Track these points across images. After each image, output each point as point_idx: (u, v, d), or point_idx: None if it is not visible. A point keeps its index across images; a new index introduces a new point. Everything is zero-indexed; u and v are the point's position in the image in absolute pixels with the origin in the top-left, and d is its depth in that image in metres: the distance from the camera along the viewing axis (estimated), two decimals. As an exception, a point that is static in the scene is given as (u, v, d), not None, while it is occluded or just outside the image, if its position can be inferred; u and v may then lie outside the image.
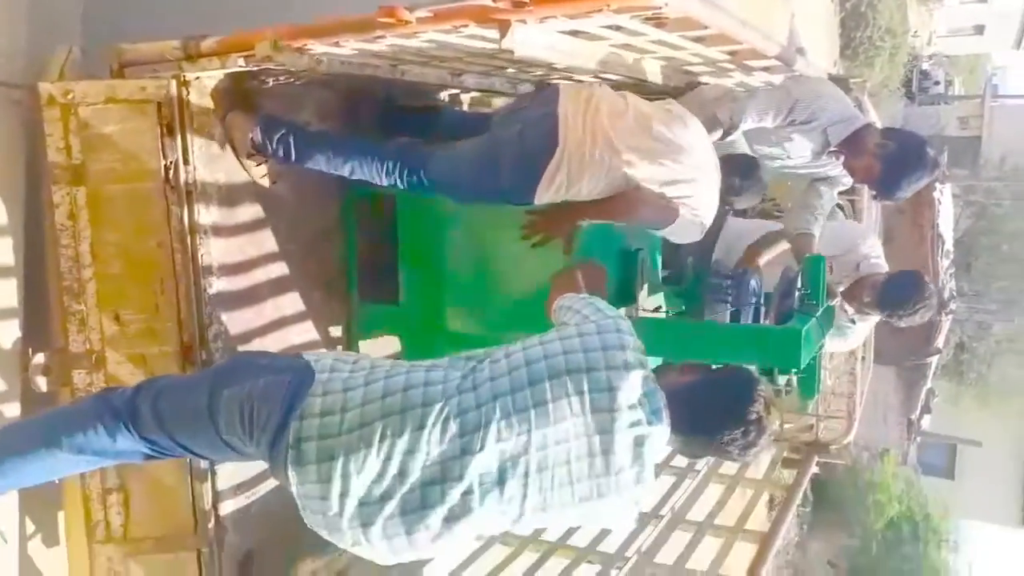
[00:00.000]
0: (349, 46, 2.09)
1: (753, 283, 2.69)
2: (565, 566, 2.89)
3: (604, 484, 1.65)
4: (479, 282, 2.71)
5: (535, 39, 1.98)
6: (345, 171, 2.44)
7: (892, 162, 2.83)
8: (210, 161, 2.33)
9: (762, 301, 2.67)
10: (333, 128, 2.75)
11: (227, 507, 2.42)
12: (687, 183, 2.41)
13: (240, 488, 2.47)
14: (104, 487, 2.29)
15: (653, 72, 2.70)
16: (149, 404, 1.85)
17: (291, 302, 2.65)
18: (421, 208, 2.75)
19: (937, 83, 22.48)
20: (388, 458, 1.62)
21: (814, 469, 3.86)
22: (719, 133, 2.95)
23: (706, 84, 2.94)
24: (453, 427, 1.62)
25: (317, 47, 2.11)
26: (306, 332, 2.72)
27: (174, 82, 2.20)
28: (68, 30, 2.32)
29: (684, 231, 2.50)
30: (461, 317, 2.75)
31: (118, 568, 2.33)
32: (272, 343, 2.58)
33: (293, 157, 2.43)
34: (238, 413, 1.74)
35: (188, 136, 2.25)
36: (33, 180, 2.22)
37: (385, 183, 2.43)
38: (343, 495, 1.64)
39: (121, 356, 2.27)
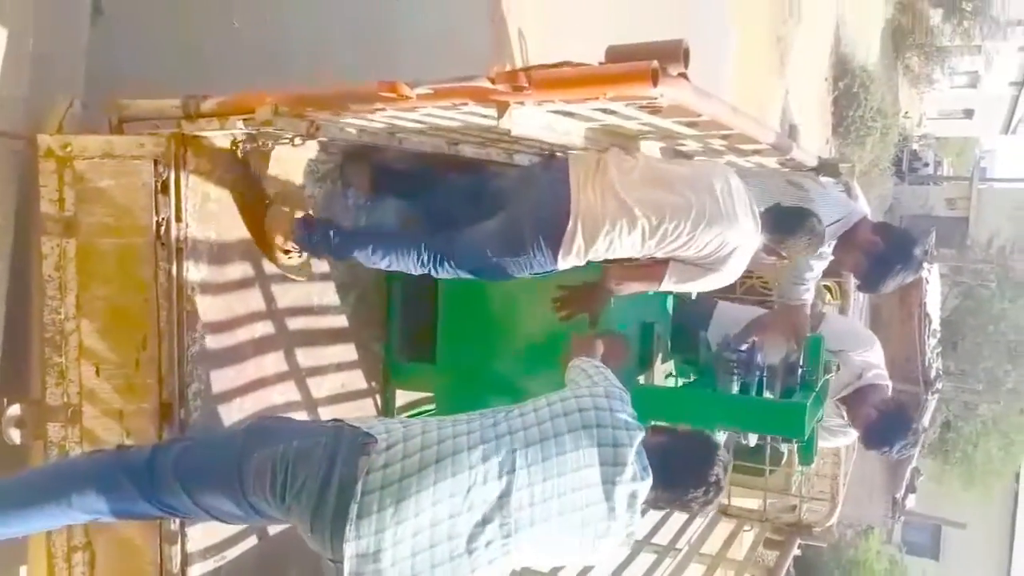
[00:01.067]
0: (349, 115, 2.12)
1: (759, 358, 2.82)
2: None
3: (605, 528, 1.86)
4: (511, 347, 2.99)
5: (532, 119, 2.01)
6: (383, 264, 2.58)
7: (880, 260, 2.99)
8: (203, 219, 2.33)
9: (765, 373, 2.82)
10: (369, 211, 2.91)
11: (196, 570, 2.36)
12: (702, 217, 2.44)
13: (210, 551, 2.41)
14: (70, 544, 2.23)
15: (650, 150, 2.74)
16: (171, 464, 1.89)
17: (273, 362, 2.63)
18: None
19: (927, 164, 22.90)
20: (437, 502, 1.74)
21: (796, 551, 3.81)
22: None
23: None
24: (493, 470, 1.78)
25: (316, 114, 2.14)
26: (287, 393, 2.69)
27: (172, 140, 2.21)
28: (70, 82, 2.33)
29: (714, 280, 2.57)
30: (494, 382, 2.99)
31: (79, 630, 2.26)
32: (252, 403, 2.55)
33: (332, 253, 2.60)
34: (269, 475, 1.80)
35: (183, 194, 2.26)
36: (22, 230, 2.22)
37: (419, 272, 2.56)
38: (397, 543, 1.71)
39: (98, 411, 2.23)
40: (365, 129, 2.45)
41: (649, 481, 1.89)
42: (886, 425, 3.11)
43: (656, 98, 1.81)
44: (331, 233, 2.55)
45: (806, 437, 2.77)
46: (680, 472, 1.96)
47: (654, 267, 2.59)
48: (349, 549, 1.70)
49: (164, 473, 1.87)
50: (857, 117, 15.62)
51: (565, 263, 2.44)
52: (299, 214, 2.56)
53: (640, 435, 1.91)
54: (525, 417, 1.90)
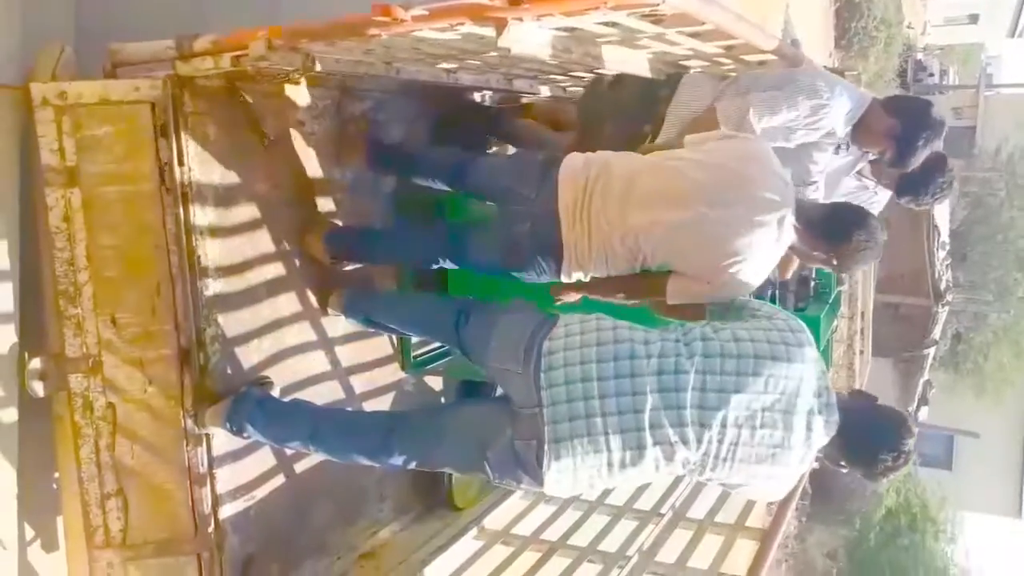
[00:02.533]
0: (344, 45, 2.07)
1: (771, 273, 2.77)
2: (566, 566, 2.87)
3: (780, 455, 1.98)
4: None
5: (531, 37, 1.96)
6: (403, 259, 2.89)
7: (904, 139, 2.73)
8: (205, 162, 2.31)
9: (777, 288, 2.85)
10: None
11: (227, 511, 2.41)
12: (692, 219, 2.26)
13: (239, 491, 2.46)
14: (103, 492, 2.27)
15: (643, 64, 2.69)
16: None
17: (288, 303, 2.63)
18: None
19: (932, 73, 22.44)
20: (619, 377, 2.00)
21: (814, 464, 3.84)
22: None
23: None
24: (672, 366, 1.98)
25: (311, 46, 2.09)
26: (303, 333, 2.70)
27: (168, 82, 2.18)
28: (61, 30, 2.29)
29: (725, 290, 2.30)
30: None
31: (118, 573, 2.31)
32: (269, 344, 2.56)
33: (361, 259, 2.79)
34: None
35: (183, 137, 2.23)
36: (28, 183, 2.20)
37: (436, 266, 2.66)
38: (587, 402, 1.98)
39: (118, 360, 2.25)
40: (361, 60, 2.40)
41: (833, 421, 1.99)
42: (920, 175, 2.92)
43: (658, 4, 1.77)
44: (353, 243, 2.75)
45: (821, 349, 2.67)
46: (878, 435, 2.03)
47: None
48: (546, 396, 1.99)
49: None
50: (860, 28, 15.26)
51: (571, 279, 2.44)
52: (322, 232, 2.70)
53: (819, 368, 2.03)
54: (710, 330, 2.06)
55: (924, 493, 18.66)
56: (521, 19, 1.86)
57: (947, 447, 21.88)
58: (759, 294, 2.72)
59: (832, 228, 2.30)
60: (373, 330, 2.80)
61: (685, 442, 1.97)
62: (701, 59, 2.72)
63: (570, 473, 2.00)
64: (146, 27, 2.34)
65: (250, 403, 2.34)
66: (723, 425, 1.96)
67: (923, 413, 15.07)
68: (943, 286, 10.77)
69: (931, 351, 12.93)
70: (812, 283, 2.89)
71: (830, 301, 2.88)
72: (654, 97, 2.80)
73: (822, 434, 2.00)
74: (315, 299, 2.74)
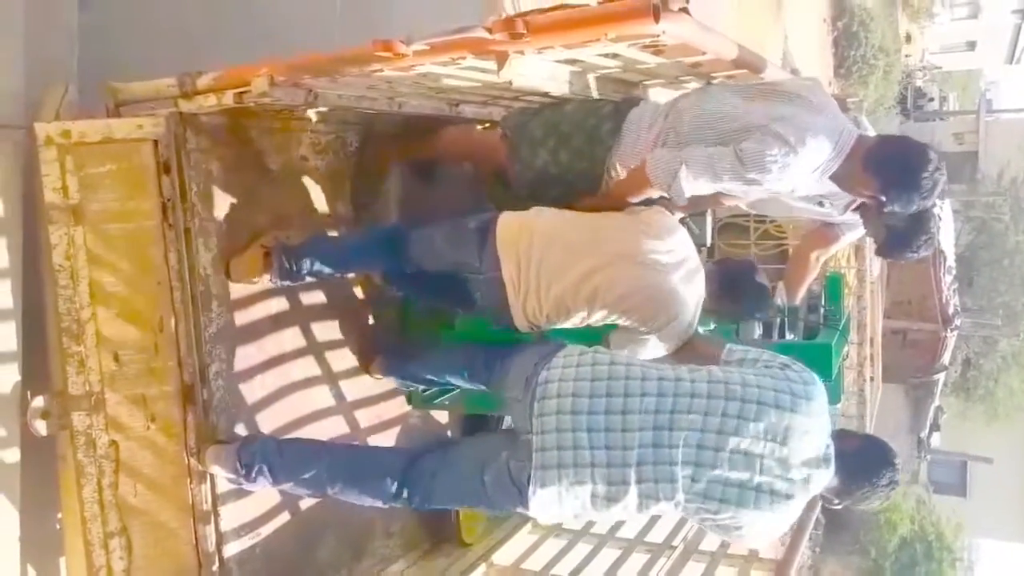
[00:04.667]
0: (346, 80, 2.08)
1: (779, 300, 2.79)
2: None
3: (774, 503, 1.97)
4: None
5: (533, 69, 1.97)
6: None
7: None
8: (208, 198, 2.31)
9: (785, 314, 2.83)
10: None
11: (231, 548, 2.38)
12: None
13: (244, 528, 2.43)
14: (106, 531, 2.25)
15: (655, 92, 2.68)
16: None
17: (291, 337, 2.62)
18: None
19: (931, 99, 22.57)
20: (610, 413, 2.02)
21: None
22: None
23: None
24: (668, 405, 1.99)
25: (313, 82, 2.10)
26: (307, 368, 2.69)
27: (171, 119, 2.19)
28: (63, 70, 2.30)
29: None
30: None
31: (121, 615, 2.28)
32: (274, 379, 2.54)
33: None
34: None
35: (186, 174, 2.24)
36: (31, 221, 2.20)
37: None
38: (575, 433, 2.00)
39: (121, 397, 2.23)
40: (364, 96, 2.41)
41: (828, 472, 2.02)
42: (901, 237, 2.66)
43: (658, 35, 1.77)
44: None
45: (833, 376, 2.72)
46: (871, 464, 2.10)
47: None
48: (536, 424, 2.03)
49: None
50: (859, 57, 15.37)
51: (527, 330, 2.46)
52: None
53: (828, 428, 2.06)
54: (719, 372, 2.07)
55: (939, 521, 18.40)
56: (522, 52, 1.87)
57: (960, 473, 21.66)
58: (769, 323, 2.70)
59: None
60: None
61: (672, 481, 1.96)
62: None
63: (555, 501, 2.03)
64: (148, 66, 2.35)
65: (258, 446, 2.32)
66: (712, 467, 1.95)
67: (935, 439, 14.97)
68: (951, 311, 10.72)
69: (941, 376, 12.85)
70: (822, 310, 2.87)
71: (840, 328, 2.85)
72: (597, 134, 2.49)
73: (820, 484, 2.03)
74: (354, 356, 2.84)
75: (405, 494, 2.26)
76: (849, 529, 16.31)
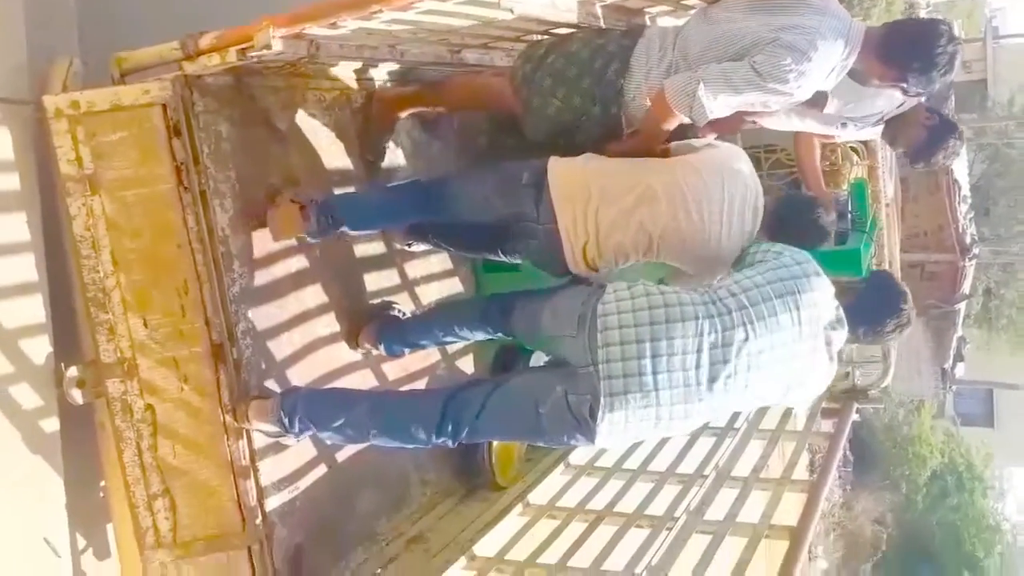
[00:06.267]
0: (346, 26, 2.08)
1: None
2: (614, 533, 2.86)
3: (809, 376, 2.28)
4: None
5: (532, -3, 1.96)
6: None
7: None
8: (220, 159, 2.33)
9: None
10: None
11: (272, 502, 2.43)
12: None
13: (283, 483, 2.48)
14: (149, 493, 2.30)
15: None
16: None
17: (313, 294, 2.65)
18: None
19: (937, 29, 22.15)
20: (671, 339, 2.14)
21: (855, 416, 3.81)
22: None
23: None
24: (718, 325, 2.15)
25: (314, 30, 2.10)
26: (331, 324, 2.72)
27: (177, 82, 2.20)
28: (66, 43, 2.32)
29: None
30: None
31: (171, 573, 2.34)
32: (299, 336, 2.58)
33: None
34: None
35: (196, 136, 2.25)
36: (48, 194, 2.23)
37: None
38: (640, 357, 2.13)
39: (152, 362, 2.27)
40: (365, 44, 2.41)
41: (844, 331, 2.27)
42: (936, 136, 2.84)
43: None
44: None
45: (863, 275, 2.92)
46: (880, 311, 2.34)
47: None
48: (602, 354, 2.13)
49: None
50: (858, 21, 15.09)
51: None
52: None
53: (832, 292, 2.26)
54: (735, 286, 2.23)
55: (968, 452, 18.42)
56: (520, -22, 1.86)
57: (987, 404, 21.61)
58: None
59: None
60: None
61: (727, 389, 2.17)
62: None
63: (621, 425, 2.17)
64: (149, 35, 2.36)
65: (298, 396, 2.39)
66: (761, 367, 2.18)
67: (959, 369, 14.89)
68: (968, 240, 10.63)
69: (962, 306, 12.77)
70: (849, 215, 3.06)
71: (866, 230, 2.94)
72: (605, 74, 2.47)
73: (840, 342, 2.28)
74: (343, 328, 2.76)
75: (449, 428, 2.31)
76: (878, 465, 16.37)
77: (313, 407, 2.36)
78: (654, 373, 2.13)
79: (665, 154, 2.50)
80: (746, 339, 2.16)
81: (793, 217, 2.53)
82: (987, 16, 24.87)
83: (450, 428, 2.31)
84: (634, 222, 2.42)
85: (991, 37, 21.35)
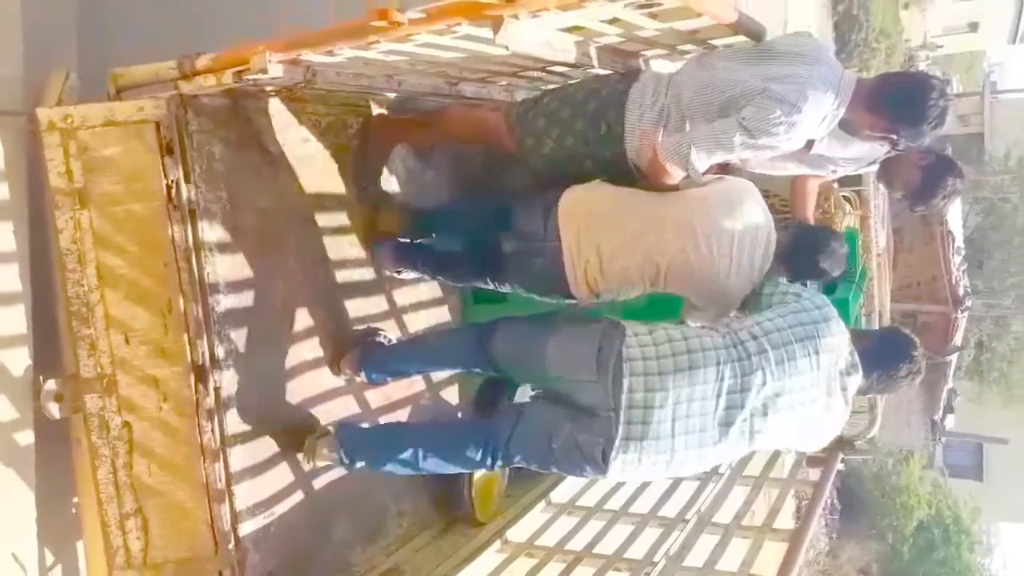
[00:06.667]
0: (343, 54, 2.10)
1: None
2: (592, 574, 2.83)
3: (824, 420, 2.31)
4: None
5: (529, 35, 1.98)
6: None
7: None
8: (211, 179, 2.33)
9: None
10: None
11: (246, 527, 2.39)
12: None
13: (258, 508, 2.44)
14: (122, 512, 2.27)
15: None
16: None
17: (301, 317, 2.63)
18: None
19: (936, 82, 22.40)
20: (692, 385, 2.17)
21: (840, 466, 3.78)
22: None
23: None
24: (737, 370, 2.18)
25: (311, 57, 2.12)
26: (315, 349, 2.70)
27: (172, 101, 2.20)
28: (63, 57, 2.33)
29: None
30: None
31: (139, 595, 2.30)
32: (283, 360, 2.56)
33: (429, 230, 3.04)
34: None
35: (188, 155, 2.25)
36: (37, 207, 2.22)
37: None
38: (662, 405, 2.16)
39: (132, 379, 2.25)
40: (362, 73, 2.42)
41: (859, 376, 2.29)
42: (933, 175, 2.77)
43: (653, -8, 1.78)
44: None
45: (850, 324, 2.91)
46: (892, 359, 2.36)
47: None
48: (626, 400, 2.15)
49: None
50: (860, 40, 15.34)
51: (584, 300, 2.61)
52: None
53: (847, 338, 2.30)
54: (757, 328, 2.25)
55: (956, 504, 18.32)
56: (516, 16, 1.88)
57: (976, 456, 21.54)
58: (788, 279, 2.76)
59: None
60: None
61: (742, 432, 2.22)
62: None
63: (633, 466, 2.21)
64: (146, 53, 2.37)
65: (347, 434, 2.54)
66: (778, 411, 2.22)
67: (949, 421, 14.85)
68: (961, 291, 10.65)
69: (953, 358, 12.77)
70: None
71: (855, 280, 2.93)
72: (600, 120, 2.50)
73: (855, 388, 2.31)
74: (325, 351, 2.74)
75: (489, 461, 2.43)
76: (866, 514, 16.26)
77: (368, 448, 2.52)
78: (673, 420, 2.16)
79: (674, 187, 2.52)
80: (764, 383, 2.18)
81: (808, 249, 2.55)
82: (985, 71, 25.21)
83: (489, 461, 2.44)
84: (639, 249, 2.47)
85: (989, 91, 21.62)
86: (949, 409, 14.62)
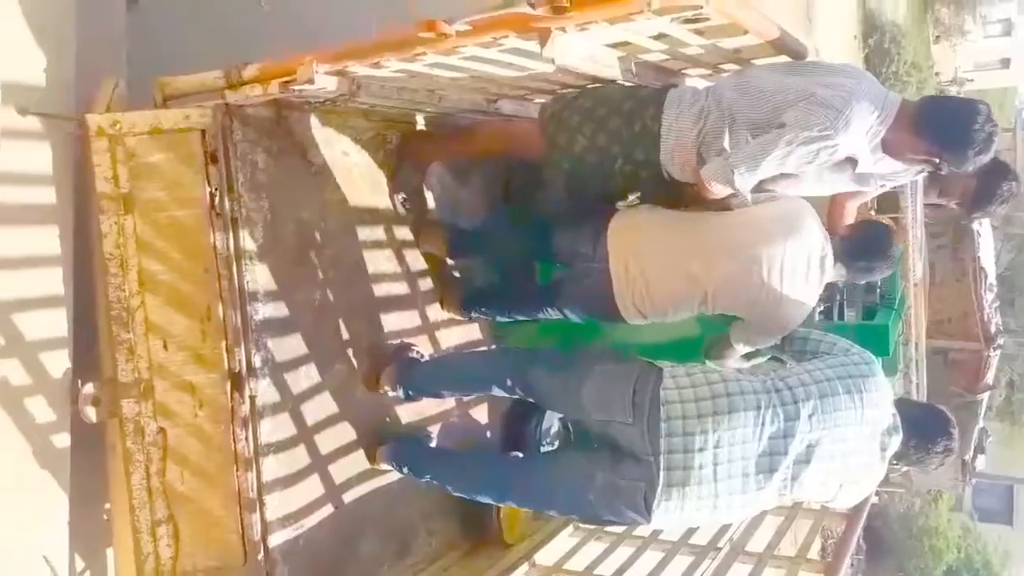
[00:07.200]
0: (390, 67, 2.11)
1: (839, 283, 2.96)
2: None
3: (864, 475, 2.29)
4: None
5: (575, 48, 1.98)
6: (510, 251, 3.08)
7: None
8: (254, 188, 2.35)
9: (844, 296, 3.08)
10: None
11: (276, 539, 2.38)
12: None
13: (288, 520, 2.43)
14: (154, 519, 2.26)
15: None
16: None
17: (334, 330, 2.63)
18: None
19: (966, 118, 22.28)
20: (732, 429, 2.14)
21: (874, 499, 3.70)
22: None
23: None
24: (780, 415, 2.15)
25: (357, 69, 2.13)
26: (350, 362, 2.70)
27: (218, 110, 2.23)
28: (113, 66, 2.37)
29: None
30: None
31: (168, 603, 2.28)
32: (317, 371, 2.55)
33: (476, 250, 3.12)
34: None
35: (232, 163, 2.27)
36: (82, 211, 2.25)
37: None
38: (702, 449, 2.13)
39: (169, 384, 2.26)
40: (405, 87, 2.44)
41: (899, 437, 2.27)
42: (990, 180, 2.67)
43: (701, 7, 1.78)
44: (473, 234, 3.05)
45: (891, 353, 2.99)
46: (930, 430, 2.32)
47: None
48: (664, 444, 2.12)
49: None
50: (891, 73, 15.28)
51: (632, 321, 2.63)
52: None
53: (891, 395, 2.31)
54: (806, 375, 2.24)
55: (985, 548, 17.89)
56: (564, 29, 1.88)
57: (1007, 500, 21.09)
58: (828, 304, 2.73)
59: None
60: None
61: (784, 480, 2.19)
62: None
63: (677, 513, 2.19)
64: (194, 63, 2.40)
65: (411, 446, 2.76)
66: (821, 460, 2.19)
67: (980, 462, 14.52)
68: (993, 329, 10.48)
69: (985, 397, 12.55)
70: (878, 291, 3.10)
71: (895, 307, 2.93)
72: (636, 117, 2.46)
73: (893, 449, 2.28)
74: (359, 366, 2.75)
75: (512, 504, 2.56)
76: (892, 555, 15.91)
77: (411, 460, 2.67)
78: (715, 464, 2.13)
79: (726, 207, 2.51)
80: (810, 430, 2.16)
81: (871, 240, 2.56)
82: (1017, 107, 25.03)
83: (513, 504, 2.59)
84: (684, 274, 2.48)
85: (1021, 128, 21.46)
86: (980, 449, 14.30)
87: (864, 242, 2.55)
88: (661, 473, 2.13)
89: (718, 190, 2.36)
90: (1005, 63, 25.77)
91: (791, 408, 2.17)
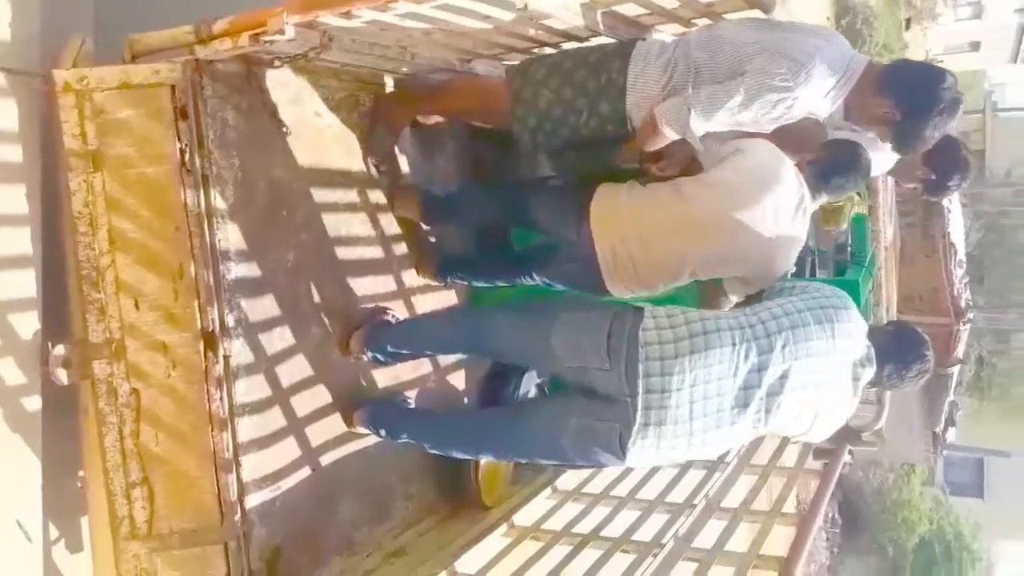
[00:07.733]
0: (361, 16, 2.09)
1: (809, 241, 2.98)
2: (599, 557, 2.79)
3: (837, 407, 2.33)
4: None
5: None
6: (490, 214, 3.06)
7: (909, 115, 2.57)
8: (225, 146, 2.32)
9: (816, 255, 3.10)
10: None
11: (253, 500, 2.37)
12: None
13: (265, 481, 2.42)
14: (128, 481, 2.24)
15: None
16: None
17: (307, 290, 2.62)
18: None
19: (936, 100, 22.50)
20: (708, 367, 2.16)
21: (847, 457, 3.75)
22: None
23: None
24: (754, 350, 2.17)
25: (328, 20, 2.11)
26: (324, 324, 2.68)
27: (187, 65, 2.20)
28: (80, 22, 2.32)
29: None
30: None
31: (144, 565, 2.27)
32: (291, 332, 2.54)
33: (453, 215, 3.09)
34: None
35: (203, 120, 2.24)
36: (50, 168, 2.21)
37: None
38: (679, 389, 2.15)
39: (141, 345, 2.23)
40: (376, 42, 2.42)
41: (872, 369, 2.30)
42: (945, 154, 2.71)
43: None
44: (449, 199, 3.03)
45: (861, 307, 2.87)
46: (905, 352, 2.36)
47: None
48: (642, 384, 2.13)
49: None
50: (863, 53, 15.40)
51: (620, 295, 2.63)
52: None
53: (865, 328, 2.33)
54: (777, 309, 2.26)
55: (957, 521, 18.24)
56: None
57: (977, 474, 21.48)
58: (800, 262, 2.77)
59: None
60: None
61: (758, 412, 2.21)
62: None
63: (652, 450, 2.21)
64: (163, 21, 2.36)
65: (388, 408, 2.76)
66: (793, 390, 2.21)
67: (950, 434, 14.82)
68: (963, 304, 10.63)
69: (955, 371, 12.77)
70: (849, 249, 3.15)
71: (865, 264, 2.93)
72: (602, 68, 2.43)
73: (867, 379, 2.32)
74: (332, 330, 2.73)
75: (488, 457, 2.60)
76: (867, 529, 16.17)
77: (387, 422, 2.67)
78: (691, 402, 2.16)
79: (696, 167, 2.52)
80: (783, 361, 2.19)
81: (840, 156, 2.55)
82: (987, 90, 25.33)
83: (489, 457, 2.60)
84: (675, 252, 2.50)
85: (990, 110, 21.72)
86: (951, 422, 14.56)
87: (833, 161, 2.54)
88: (638, 413, 2.15)
89: (669, 133, 2.31)
90: (975, 46, 26.04)
91: (764, 342, 2.19)
